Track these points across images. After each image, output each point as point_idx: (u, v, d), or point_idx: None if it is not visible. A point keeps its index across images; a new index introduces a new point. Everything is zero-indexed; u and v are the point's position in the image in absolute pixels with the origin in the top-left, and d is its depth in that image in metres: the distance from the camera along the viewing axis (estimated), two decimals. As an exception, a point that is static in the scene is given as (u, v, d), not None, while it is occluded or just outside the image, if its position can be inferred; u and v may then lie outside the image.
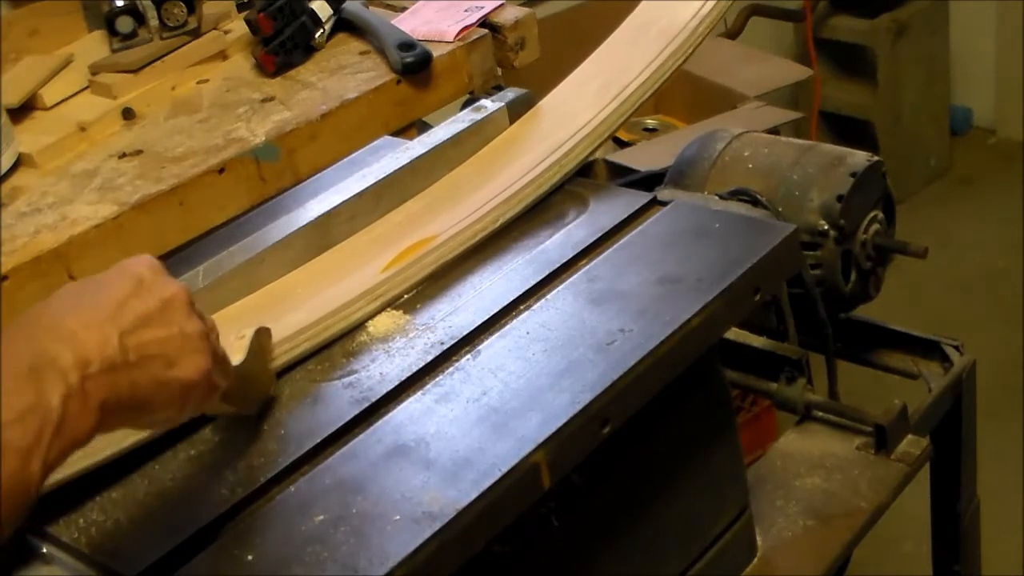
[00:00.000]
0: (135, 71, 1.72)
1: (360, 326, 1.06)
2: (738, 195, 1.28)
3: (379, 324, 1.06)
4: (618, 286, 1.04)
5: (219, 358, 0.84)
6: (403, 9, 1.87)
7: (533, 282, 1.07)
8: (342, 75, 1.72)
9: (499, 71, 1.79)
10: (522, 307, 1.04)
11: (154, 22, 1.75)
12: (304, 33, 1.76)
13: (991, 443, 1.60)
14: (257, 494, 0.89)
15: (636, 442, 1.01)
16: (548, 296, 1.05)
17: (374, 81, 1.68)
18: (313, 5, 1.78)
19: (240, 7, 1.87)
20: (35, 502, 0.71)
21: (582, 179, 1.24)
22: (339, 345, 1.05)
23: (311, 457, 0.92)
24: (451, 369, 0.98)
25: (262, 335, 0.98)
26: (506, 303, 1.05)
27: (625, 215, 1.15)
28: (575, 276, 1.07)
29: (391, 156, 1.26)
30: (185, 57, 1.77)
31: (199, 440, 0.96)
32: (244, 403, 0.96)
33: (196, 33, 1.79)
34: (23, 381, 0.69)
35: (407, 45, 1.70)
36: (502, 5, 1.80)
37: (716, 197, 1.28)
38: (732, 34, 3.03)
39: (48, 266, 1.40)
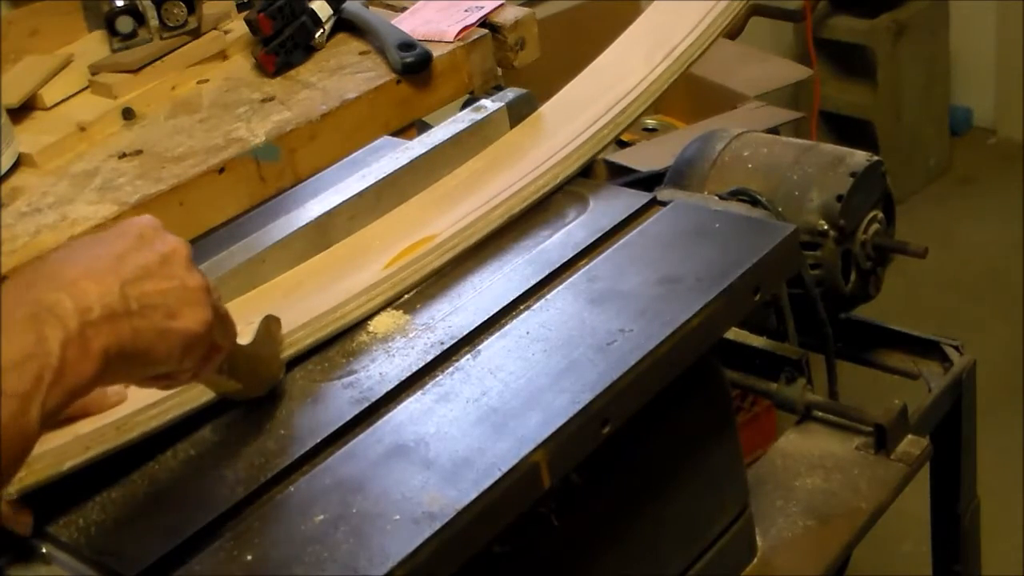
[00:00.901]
0: (135, 71, 1.72)
1: (360, 326, 1.06)
2: (738, 195, 1.28)
3: (379, 324, 1.07)
4: (618, 286, 1.04)
5: (221, 316, 0.84)
6: (403, 9, 1.87)
7: (533, 282, 1.07)
8: (342, 75, 1.72)
9: (499, 71, 1.79)
10: (522, 307, 1.04)
11: (154, 22, 1.75)
12: (304, 33, 1.76)
13: (991, 443, 1.60)
14: (257, 494, 0.89)
15: (636, 442, 1.01)
16: (548, 296, 1.05)
17: (374, 81, 1.68)
18: (313, 5, 1.78)
19: (240, 7, 1.87)
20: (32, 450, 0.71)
21: (582, 179, 1.24)
22: (339, 345, 1.05)
23: (311, 457, 0.92)
24: (451, 369, 0.98)
25: (271, 322, 0.98)
26: (506, 303, 1.05)
27: (625, 215, 1.15)
28: (575, 276, 1.07)
29: (391, 156, 1.26)
30: (185, 57, 1.77)
31: (199, 440, 0.96)
32: (252, 384, 0.96)
33: (196, 33, 1.79)
34: (22, 328, 0.69)
35: (407, 45, 1.70)
36: (502, 5, 1.80)
37: (716, 197, 1.28)
38: (732, 34, 3.02)
39: (48, 266, 1.39)
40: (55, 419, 0.72)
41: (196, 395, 0.96)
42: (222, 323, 0.84)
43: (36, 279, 0.74)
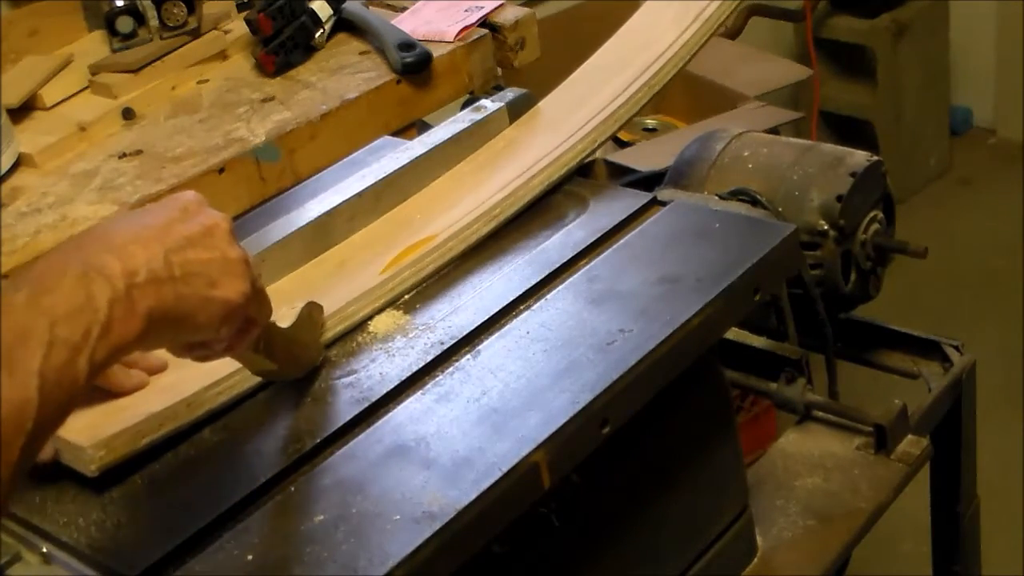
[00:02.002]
0: (135, 71, 1.72)
1: (360, 326, 1.06)
2: (738, 195, 1.28)
3: (379, 324, 1.07)
4: (618, 286, 1.04)
5: (258, 291, 0.87)
6: (403, 9, 1.87)
7: (533, 282, 1.07)
8: (342, 75, 1.72)
9: (499, 71, 1.79)
10: (522, 307, 1.04)
11: (154, 22, 1.75)
12: (304, 33, 1.76)
13: (991, 443, 1.60)
14: (257, 494, 0.89)
15: (636, 442, 1.01)
16: (548, 296, 1.05)
17: (374, 81, 1.68)
18: (313, 5, 1.78)
19: (240, 7, 1.87)
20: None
21: (582, 179, 1.24)
22: (339, 345, 1.05)
23: (311, 457, 0.92)
24: (451, 369, 0.98)
25: (313, 308, 1.01)
26: (506, 303, 1.05)
27: (625, 215, 1.15)
28: (575, 276, 1.07)
29: (391, 156, 1.26)
30: (185, 57, 1.77)
31: (199, 441, 0.96)
32: (289, 366, 0.98)
33: (196, 33, 1.79)
34: (72, 284, 0.74)
35: (407, 45, 1.70)
36: (502, 5, 1.80)
37: (716, 197, 1.28)
38: (732, 34, 3.02)
39: (48, 266, 1.39)
40: (102, 373, 0.76)
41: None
42: (259, 298, 0.87)
43: (87, 242, 0.78)
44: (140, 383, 0.97)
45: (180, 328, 0.81)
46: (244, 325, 0.86)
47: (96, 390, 0.94)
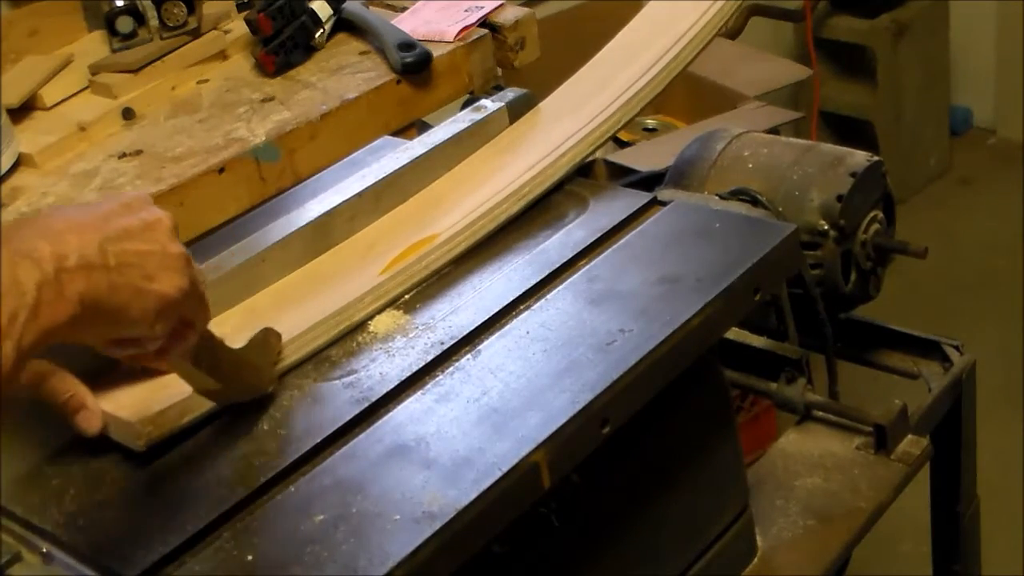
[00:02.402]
0: (135, 71, 1.72)
1: (360, 326, 1.06)
2: (738, 195, 1.28)
3: (379, 324, 1.07)
4: (618, 286, 1.04)
5: (198, 293, 0.86)
6: (403, 9, 1.87)
7: (533, 282, 1.07)
8: (342, 75, 1.72)
9: (499, 71, 1.79)
10: (522, 307, 1.04)
11: (154, 22, 1.75)
12: (304, 33, 1.76)
13: (991, 443, 1.60)
14: (257, 494, 0.89)
15: (636, 442, 1.01)
16: (548, 296, 1.05)
17: (374, 81, 1.68)
18: (313, 5, 1.78)
19: (240, 7, 1.87)
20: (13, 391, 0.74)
21: (582, 179, 1.24)
22: (339, 345, 1.05)
23: (311, 457, 0.92)
24: (451, 369, 0.98)
25: (269, 334, 1.00)
26: (506, 303, 1.05)
27: (625, 215, 1.15)
28: (575, 276, 1.07)
29: (391, 156, 1.26)
30: (185, 57, 1.76)
31: (199, 440, 0.96)
32: (234, 388, 0.96)
33: (196, 33, 1.79)
34: (2, 267, 0.73)
35: (407, 45, 1.70)
36: (502, 5, 1.80)
37: (716, 197, 1.28)
38: (732, 34, 3.02)
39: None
40: (31, 357, 0.75)
41: (297, 348, 1.02)
42: (198, 301, 0.86)
43: (22, 229, 0.78)
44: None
45: (113, 320, 0.80)
46: (180, 327, 0.85)
47: (144, 370, 0.97)
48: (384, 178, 1.22)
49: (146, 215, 0.83)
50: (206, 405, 0.96)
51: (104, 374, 0.97)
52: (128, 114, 1.68)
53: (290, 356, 1.02)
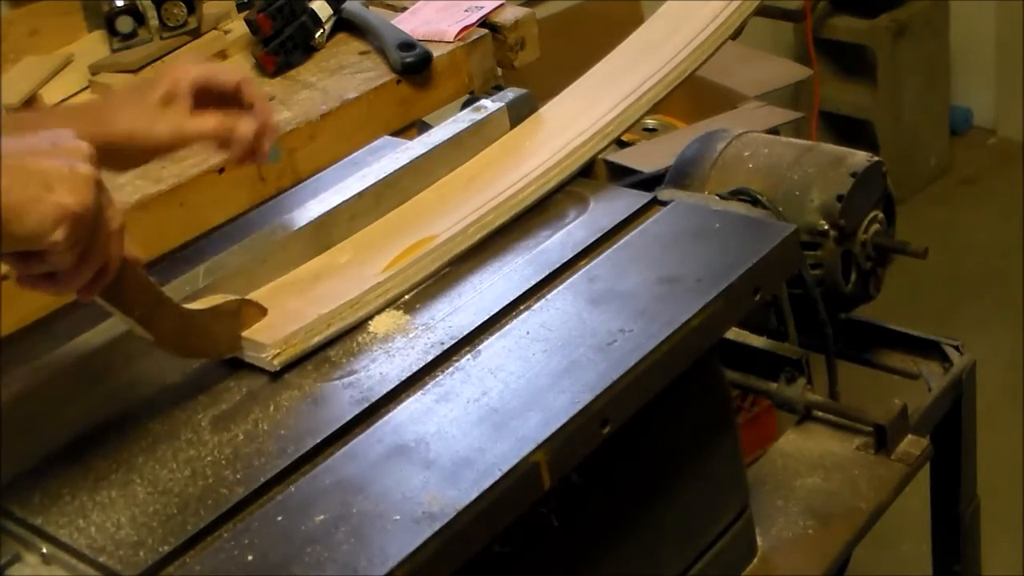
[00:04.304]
0: (135, 71, 1.72)
1: (360, 326, 1.07)
2: (738, 195, 1.28)
3: (379, 324, 1.07)
4: (618, 286, 1.04)
5: (107, 221, 0.86)
6: (403, 9, 1.87)
7: (533, 282, 1.07)
8: (342, 75, 1.72)
9: (499, 71, 1.79)
10: (522, 307, 1.04)
11: (154, 22, 1.75)
12: (304, 33, 1.76)
13: (991, 443, 1.60)
14: (257, 494, 0.89)
15: (636, 442, 1.01)
16: (548, 296, 1.05)
17: (374, 81, 1.68)
18: (313, 5, 1.78)
19: (240, 7, 1.87)
20: None
21: (583, 179, 1.24)
22: (339, 345, 1.05)
23: (311, 457, 0.92)
24: (451, 369, 0.98)
25: (245, 305, 1.05)
26: (506, 303, 1.05)
27: (625, 215, 1.15)
28: (575, 276, 1.07)
29: (391, 156, 1.26)
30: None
31: (199, 441, 0.96)
32: (175, 343, 1.00)
33: (196, 33, 1.79)
34: None
35: (407, 45, 1.70)
36: (502, 5, 1.80)
37: (716, 197, 1.28)
38: (732, 34, 3.02)
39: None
40: None
41: (411, 275, 1.10)
42: (110, 233, 0.87)
43: None
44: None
45: (10, 222, 0.80)
46: (86, 249, 0.85)
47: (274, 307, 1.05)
48: (384, 178, 1.22)
49: (60, 139, 0.85)
50: (332, 326, 1.04)
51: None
52: (128, 114, 1.68)
53: (284, 353, 1.02)
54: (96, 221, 0.85)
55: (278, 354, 1.02)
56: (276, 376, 1.02)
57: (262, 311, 1.06)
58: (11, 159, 0.81)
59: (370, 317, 1.07)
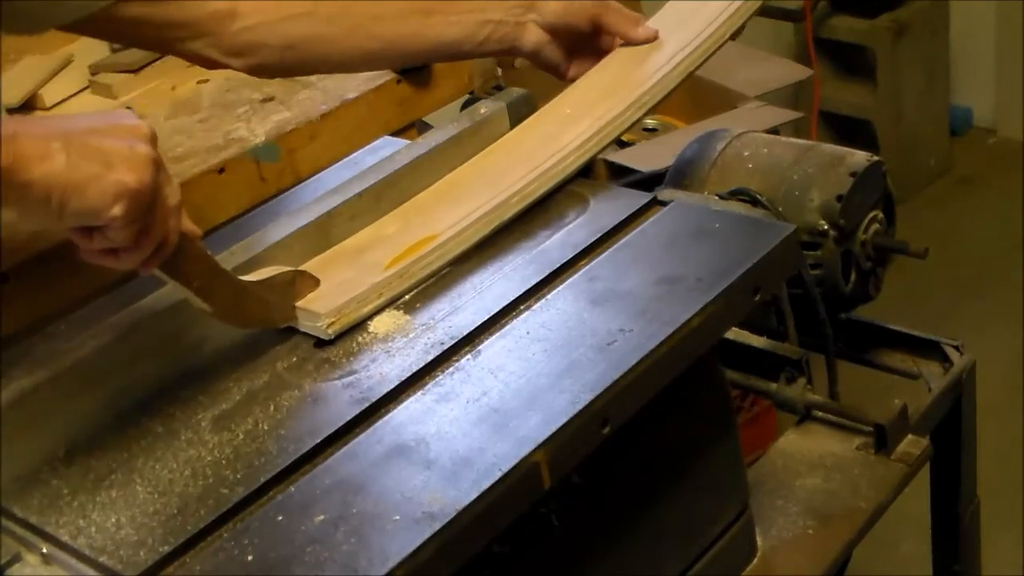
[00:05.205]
0: (135, 71, 1.73)
1: (360, 326, 1.07)
2: (738, 195, 1.28)
3: (379, 324, 1.07)
4: (618, 286, 1.04)
5: (165, 199, 0.90)
6: (403, 9, 1.87)
7: (533, 282, 1.07)
8: (342, 75, 1.71)
9: (499, 71, 1.79)
10: (522, 307, 1.04)
11: (154, 22, 1.75)
12: (304, 33, 1.76)
13: (991, 443, 1.60)
14: (257, 494, 0.89)
15: (636, 442, 1.01)
16: (548, 296, 1.05)
17: (374, 81, 1.68)
18: (313, 5, 1.77)
19: (240, 7, 1.87)
20: None
21: (583, 179, 1.24)
22: (339, 345, 1.05)
23: (311, 457, 0.92)
24: (451, 369, 0.98)
25: (300, 276, 1.08)
26: (506, 303, 1.05)
27: (625, 215, 1.15)
28: (575, 276, 1.07)
29: (391, 156, 1.26)
30: (185, 57, 1.76)
31: (199, 440, 0.96)
32: (233, 314, 1.02)
33: (196, 33, 1.78)
34: None
35: (407, 45, 1.69)
36: (502, 5, 1.80)
37: (716, 197, 1.28)
38: (733, 34, 3.02)
39: (49, 266, 1.39)
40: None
41: (466, 238, 1.13)
42: (168, 210, 0.91)
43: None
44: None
45: (72, 197, 0.83)
46: (144, 224, 0.88)
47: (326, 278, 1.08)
48: (384, 178, 1.22)
49: (120, 119, 0.88)
50: (384, 295, 1.07)
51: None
52: (128, 114, 1.68)
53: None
54: (154, 198, 0.88)
55: (332, 323, 1.04)
56: (276, 376, 1.02)
57: (315, 282, 1.08)
58: (74, 138, 0.84)
59: (370, 317, 1.07)
